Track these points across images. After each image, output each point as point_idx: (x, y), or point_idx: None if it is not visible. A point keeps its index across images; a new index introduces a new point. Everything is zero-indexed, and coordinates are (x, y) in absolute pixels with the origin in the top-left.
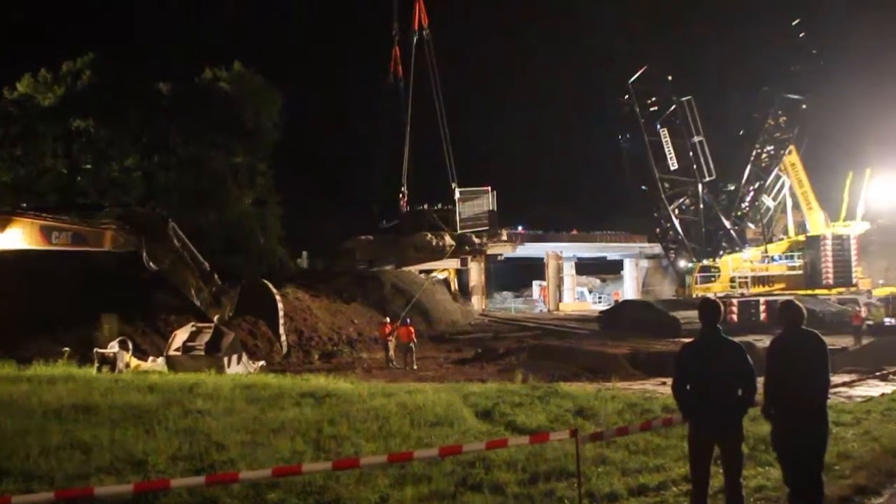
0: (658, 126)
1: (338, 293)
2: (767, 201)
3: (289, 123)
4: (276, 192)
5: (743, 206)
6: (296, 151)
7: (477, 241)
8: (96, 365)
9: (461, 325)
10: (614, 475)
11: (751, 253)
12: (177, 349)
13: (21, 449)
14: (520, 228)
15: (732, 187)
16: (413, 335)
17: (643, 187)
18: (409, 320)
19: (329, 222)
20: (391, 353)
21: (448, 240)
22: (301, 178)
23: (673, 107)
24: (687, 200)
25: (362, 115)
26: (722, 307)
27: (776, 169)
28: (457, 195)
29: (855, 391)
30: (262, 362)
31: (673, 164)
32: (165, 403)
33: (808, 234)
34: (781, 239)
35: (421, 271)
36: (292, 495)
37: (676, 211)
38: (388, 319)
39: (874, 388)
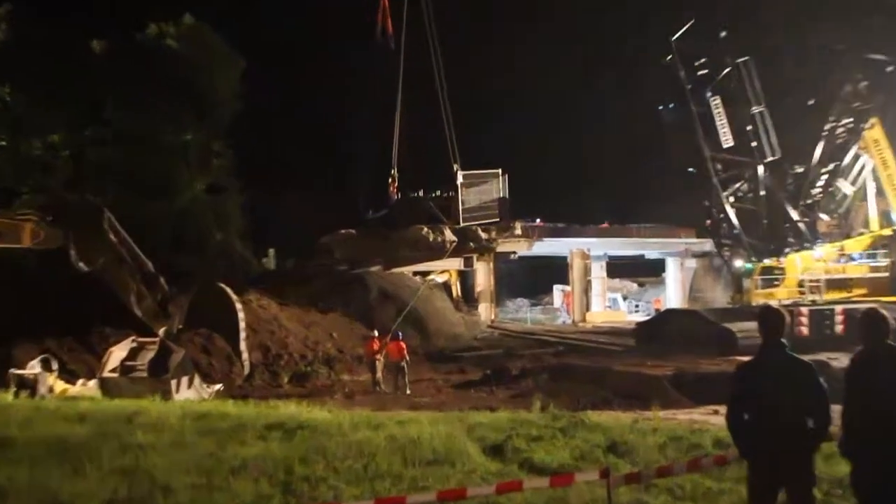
0: (709, 93)
1: (313, 300)
2: (844, 187)
3: (252, 92)
4: (237, 176)
5: (814, 192)
6: (261, 126)
7: (484, 235)
8: (13, 389)
9: (465, 339)
10: None
11: (824, 250)
12: (113, 370)
13: None
14: (537, 221)
15: (801, 169)
16: (405, 352)
17: (690, 170)
18: (400, 334)
19: (302, 213)
20: (379, 374)
21: (448, 234)
22: (267, 158)
23: (727, 70)
24: (745, 185)
25: (344, 82)
26: (788, 317)
27: (855, 147)
28: (459, 179)
29: None
30: (218, 386)
31: (727, 141)
32: (99, 436)
33: None
34: (862, 233)
35: (415, 273)
36: None
37: (732, 198)
38: (375, 333)
39: None
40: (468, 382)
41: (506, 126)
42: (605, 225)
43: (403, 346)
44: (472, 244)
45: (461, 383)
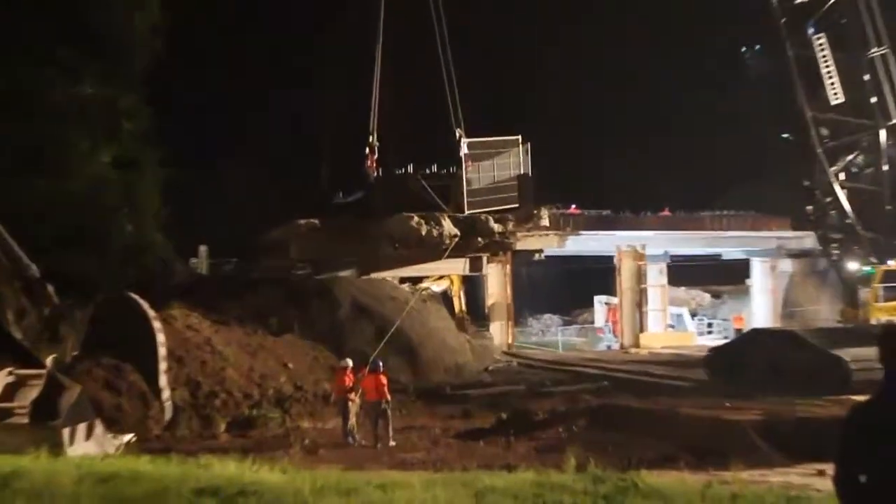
0: (811, 30)
1: (260, 318)
2: None
3: (178, 30)
4: (155, 148)
5: None
6: (189, 77)
7: (498, 227)
8: None
9: (472, 371)
10: None
11: None
12: None
13: None
14: (572, 207)
15: None
16: (387, 389)
17: (785, 136)
18: (381, 364)
19: (245, 197)
20: (352, 420)
21: (448, 226)
22: (198, 121)
23: None
24: (860, 158)
25: (305, 17)
26: None
27: None
28: (464, 150)
29: None
30: (129, 436)
31: (836, 96)
32: None
33: None
34: None
35: (403, 280)
36: None
37: (843, 175)
38: (348, 363)
39: None
40: (476, 431)
41: (529, 78)
42: (667, 212)
43: (385, 380)
44: (480, 239)
45: (466, 432)
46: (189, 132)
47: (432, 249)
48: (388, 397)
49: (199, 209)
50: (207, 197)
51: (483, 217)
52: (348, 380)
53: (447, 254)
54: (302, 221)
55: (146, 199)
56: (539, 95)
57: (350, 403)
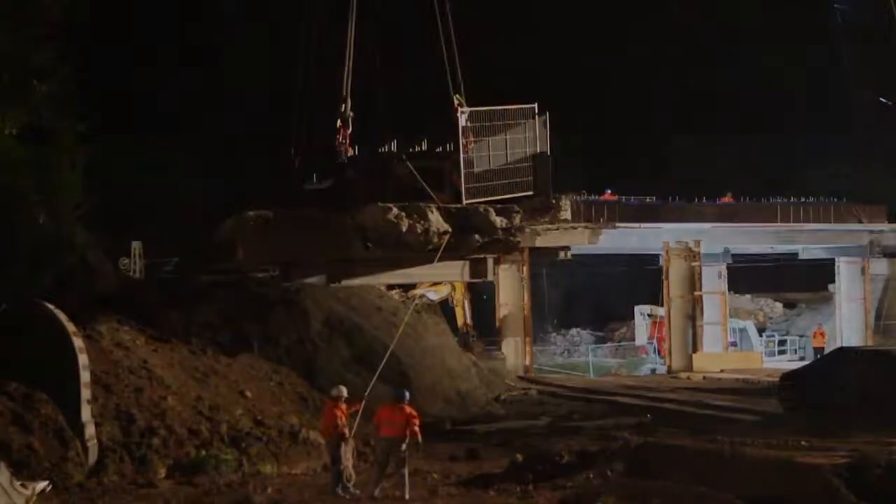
0: None
1: (209, 333)
2: None
3: None
4: (76, 118)
5: None
6: (119, 29)
7: (500, 222)
8: None
9: (479, 400)
10: None
11: None
12: None
13: None
14: (607, 193)
15: None
16: (418, 424)
17: (882, 100)
18: (407, 394)
19: (189, 181)
20: (349, 462)
21: (436, 221)
22: (130, 86)
23: None
24: None
25: None
26: None
27: None
28: (462, 121)
29: None
30: (43, 484)
31: None
32: None
33: None
34: None
35: (391, 287)
36: None
37: None
38: (342, 391)
39: None
40: (484, 477)
41: (550, 31)
42: (728, 199)
43: (414, 412)
44: (477, 237)
45: (472, 478)
46: (120, 98)
47: (417, 250)
48: (420, 436)
49: (131, 195)
50: (142, 180)
51: (482, 209)
52: (343, 412)
53: (439, 255)
54: (251, 213)
55: (65, 182)
56: (561, 53)
57: (345, 443)
